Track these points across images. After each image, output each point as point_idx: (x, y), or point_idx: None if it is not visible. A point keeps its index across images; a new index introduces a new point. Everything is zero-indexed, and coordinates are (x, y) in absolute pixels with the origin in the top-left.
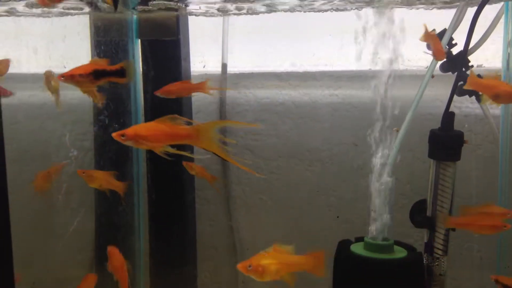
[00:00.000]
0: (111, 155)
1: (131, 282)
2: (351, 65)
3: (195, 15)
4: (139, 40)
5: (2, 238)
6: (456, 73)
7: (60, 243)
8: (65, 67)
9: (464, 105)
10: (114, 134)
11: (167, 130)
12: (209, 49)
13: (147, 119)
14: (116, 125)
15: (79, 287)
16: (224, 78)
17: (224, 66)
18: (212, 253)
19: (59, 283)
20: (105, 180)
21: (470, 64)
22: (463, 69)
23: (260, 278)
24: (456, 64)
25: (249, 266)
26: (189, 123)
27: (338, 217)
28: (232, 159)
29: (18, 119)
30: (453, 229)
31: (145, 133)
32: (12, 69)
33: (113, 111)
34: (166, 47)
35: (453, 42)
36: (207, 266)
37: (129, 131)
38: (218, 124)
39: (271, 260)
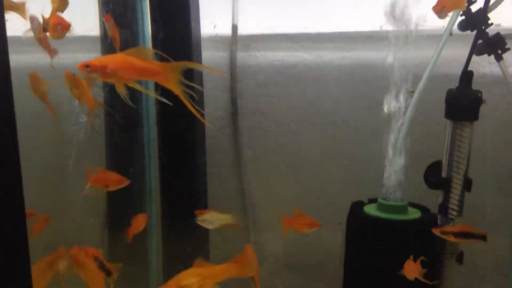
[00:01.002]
0: (121, 119)
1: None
2: (365, 26)
3: None
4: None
5: (16, 203)
6: (475, 31)
7: (72, 208)
8: (72, 29)
9: (481, 65)
10: (78, 65)
11: (136, 64)
12: (219, 10)
13: (157, 90)
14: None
15: (130, 228)
16: (234, 40)
17: (234, 27)
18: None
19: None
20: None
21: (489, 22)
22: (483, 27)
23: None
24: (475, 22)
25: None
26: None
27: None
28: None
29: (28, 83)
30: (469, 190)
31: (112, 65)
32: (16, 32)
33: None
34: (176, 7)
35: None
36: (219, 229)
37: (95, 62)
38: (183, 64)
39: (193, 278)
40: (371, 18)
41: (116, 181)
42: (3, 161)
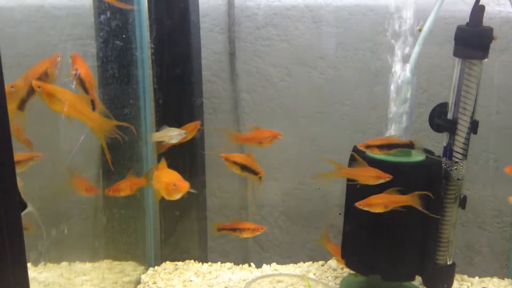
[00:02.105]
0: (114, 57)
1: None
2: None
3: None
4: None
5: (4, 150)
6: None
7: (66, 158)
8: None
9: (490, 7)
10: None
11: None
12: None
13: (151, 17)
14: (117, 24)
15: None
16: None
17: None
18: (221, 161)
19: (64, 191)
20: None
21: None
22: None
23: None
24: None
25: None
26: None
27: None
28: None
29: (15, 21)
30: (475, 132)
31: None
32: None
33: (113, 9)
34: None
35: None
36: (215, 173)
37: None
38: (113, 123)
39: None
40: None
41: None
42: None
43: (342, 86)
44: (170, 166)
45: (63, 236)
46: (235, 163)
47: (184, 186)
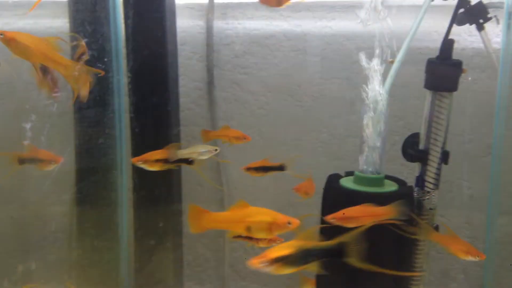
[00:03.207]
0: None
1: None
2: None
3: None
4: None
5: None
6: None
7: (40, 181)
8: None
9: (462, 37)
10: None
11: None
12: None
13: (128, 48)
14: (92, 52)
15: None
16: (211, 7)
17: None
18: (198, 189)
19: (38, 218)
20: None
21: None
22: None
23: None
24: None
25: None
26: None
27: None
28: None
29: None
30: (446, 163)
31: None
32: None
33: (90, 36)
34: None
35: None
36: (192, 201)
37: (11, 33)
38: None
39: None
40: None
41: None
42: None
43: (319, 114)
44: (146, 194)
45: (35, 267)
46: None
47: (296, 222)
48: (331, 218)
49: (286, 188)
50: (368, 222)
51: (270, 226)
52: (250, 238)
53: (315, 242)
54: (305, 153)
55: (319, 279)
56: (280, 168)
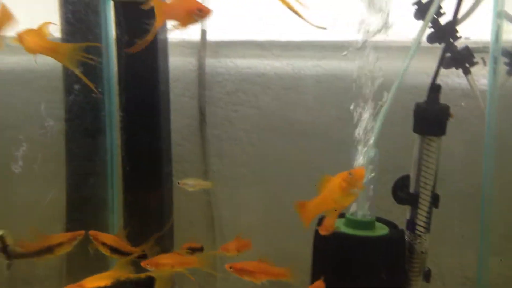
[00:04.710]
0: (82, 124)
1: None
2: (336, 35)
3: None
4: (112, 2)
5: None
6: (443, 44)
7: (32, 214)
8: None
9: (450, 78)
10: None
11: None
12: None
13: (121, 86)
14: (87, 92)
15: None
16: (203, 45)
17: (203, 33)
18: (189, 227)
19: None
20: None
21: (458, 35)
22: (451, 40)
23: None
24: (443, 34)
25: None
26: None
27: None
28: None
29: None
30: (436, 206)
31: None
32: None
33: (83, 74)
34: (141, 11)
35: (441, 11)
36: (183, 241)
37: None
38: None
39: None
40: (343, 27)
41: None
42: None
43: (310, 152)
44: (136, 230)
45: None
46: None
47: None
48: (228, 266)
49: (278, 223)
50: (261, 279)
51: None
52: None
53: (128, 274)
54: (296, 190)
55: None
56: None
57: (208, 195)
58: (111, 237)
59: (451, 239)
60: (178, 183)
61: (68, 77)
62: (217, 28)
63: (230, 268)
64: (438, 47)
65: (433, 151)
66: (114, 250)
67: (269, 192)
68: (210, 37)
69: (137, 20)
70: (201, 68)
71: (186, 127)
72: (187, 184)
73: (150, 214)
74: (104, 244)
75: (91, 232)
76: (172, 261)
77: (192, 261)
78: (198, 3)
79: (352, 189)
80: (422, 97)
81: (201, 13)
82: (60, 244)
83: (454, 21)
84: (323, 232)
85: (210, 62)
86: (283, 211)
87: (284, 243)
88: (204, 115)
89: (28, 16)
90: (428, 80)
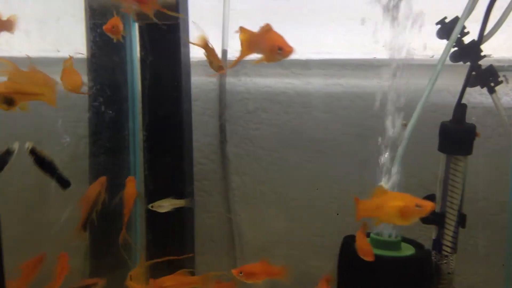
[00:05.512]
0: (106, 143)
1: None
2: (355, 54)
3: None
4: (137, 24)
5: None
6: (468, 63)
7: (52, 233)
8: (58, 51)
9: (472, 96)
10: None
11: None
12: (209, 35)
13: (144, 106)
14: (111, 112)
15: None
16: (224, 64)
17: (224, 52)
18: (211, 245)
19: (50, 272)
20: None
21: (482, 54)
22: (476, 60)
23: None
24: (468, 53)
25: None
26: None
27: (338, 214)
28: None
29: None
30: (463, 226)
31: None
32: (2, 53)
33: (109, 98)
34: (165, 32)
35: (465, 30)
36: (205, 259)
37: None
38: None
39: None
40: (361, 46)
41: None
42: None
43: (331, 170)
44: (158, 251)
45: None
46: None
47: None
48: (238, 272)
49: (299, 242)
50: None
51: (402, 211)
52: None
53: None
54: (317, 209)
55: None
56: None
57: (229, 212)
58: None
59: (475, 257)
60: (152, 206)
61: (92, 95)
62: (238, 47)
63: (240, 273)
64: (458, 65)
65: (460, 171)
66: None
67: (290, 210)
68: (231, 56)
69: (161, 42)
70: (221, 87)
71: (207, 146)
72: (161, 206)
73: (172, 232)
74: None
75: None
76: (175, 283)
77: (194, 282)
78: (282, 40)
79: (412, 218)
80: (443, 115)
81: (282, 51)
82: None
83: (480, 40)
84: (366, 256)
85: (231, 81)
86: (304, 229)
87: (305, 261)
88: (225, 134)
89: (55, 39)
90: (449, 98)
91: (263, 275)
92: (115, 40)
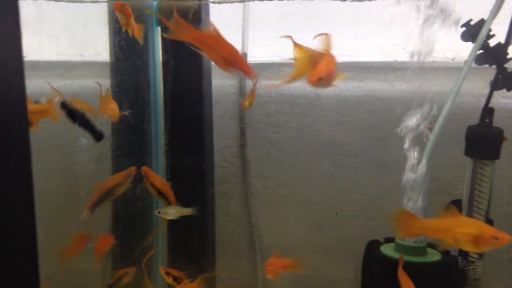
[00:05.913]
0: (128, 146)
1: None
2: (376, 56)
3: (216, 2)
4: (159, 28)
5: (27, 234)
6: (495, 66)
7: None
8: (82, 55)
9: (496, 99)
10: None
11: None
12: (229, 38)
13: (166, 109)
14: (135, 116)
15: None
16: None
17: (244, 55)
18: (231, 249)
19: (74, 275)
20: None
21: (509, 57)
22: (503, 63)
23: None
24: (494, 56)
25: None
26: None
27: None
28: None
29: None
30: None
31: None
32: (32, 56)
33: (132, 101)
34: None
35: (491, 33)
36: (225, 262)
37: None
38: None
39: None
40: (382, 49)
41: None
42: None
43: (351, 173)
44: (180, 254)
45: None
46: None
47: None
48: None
49: (319, 245)
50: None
51: (476, 239)
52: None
53: None
54: (338, 212)
55: None
56: None
57: (249, 216)
58: (160, 180)
59: (498, 263)
60: (159, 212)
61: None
62: (257, 50)
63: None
64: (482, 67)
65: (487, 175)
66: (161, 193)
67: (310, 214)
68: (251, 59)
69: (183, 45)
70: (241, 90)
71: (227, 149)
72: (167, 213)
73: (194, 235)
74: (152, 185)
75: (144, 168)
76: None
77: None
78: (328, 72)
79: (485, 249)
80: (467, 118)
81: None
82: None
83: (507, 43)
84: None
85: (251, 84)
86: (325, 233)
87: (326, 266)
88: (245, 137)
89: (81, 44)
90: (473, 101)
91: (280, 269)
92: (123, 29)
